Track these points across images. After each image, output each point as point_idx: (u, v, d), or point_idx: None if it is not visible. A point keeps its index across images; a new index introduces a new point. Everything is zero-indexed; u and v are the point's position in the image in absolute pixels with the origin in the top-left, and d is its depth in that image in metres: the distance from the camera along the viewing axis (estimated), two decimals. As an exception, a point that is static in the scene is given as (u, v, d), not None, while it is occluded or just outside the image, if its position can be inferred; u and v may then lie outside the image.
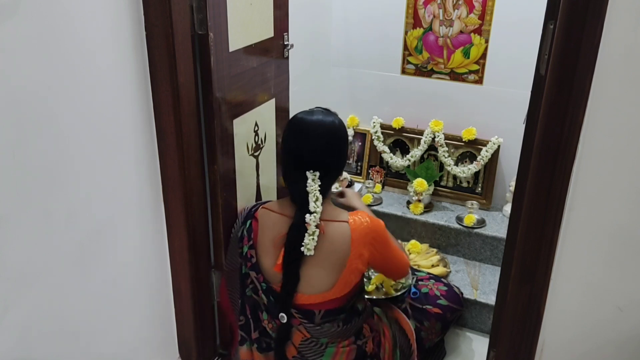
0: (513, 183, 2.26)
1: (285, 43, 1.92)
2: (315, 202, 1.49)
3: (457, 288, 1.99)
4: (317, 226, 1.48)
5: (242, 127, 1.74)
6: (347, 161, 2.87)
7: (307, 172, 1.50)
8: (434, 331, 1.83)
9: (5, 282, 1.16)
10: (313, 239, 1.47)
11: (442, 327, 1.86)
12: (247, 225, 1.62)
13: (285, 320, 1.56)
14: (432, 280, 1.97)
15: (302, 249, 1.47)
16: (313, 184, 1.49)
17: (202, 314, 1.81)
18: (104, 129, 1.36)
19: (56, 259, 1.28)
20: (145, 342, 1.69)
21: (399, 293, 1.91)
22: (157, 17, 1.40)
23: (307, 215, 1.48)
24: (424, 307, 1.84)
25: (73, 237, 1.32)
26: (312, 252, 1.48)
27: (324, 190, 1.52)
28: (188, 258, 1.69)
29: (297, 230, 1.49)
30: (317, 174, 1.50)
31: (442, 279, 2.01)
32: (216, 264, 1.81)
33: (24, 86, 1.13)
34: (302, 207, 1.50)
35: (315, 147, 1.51)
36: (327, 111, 1.58)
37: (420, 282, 1.95)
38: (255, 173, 1.88)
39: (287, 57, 1.95)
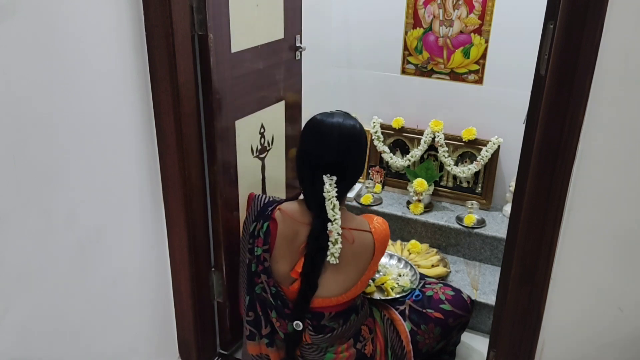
0: (513, 183, 2.26)
1: (297, 45, 1.90)
2: (333, 209, 1.47)
3: (468, 296, 1.91)
4: (339, 234, 1.48)
5: (245, 129, 1.74)
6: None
7: (324, 177, 1.48)
8: (431, 335, 1.78)
9: (5, 282, 1.16)
10: (339, 247, 1.47)
11: (441, 332, 1.80)
12: (265, 228, 1.58)
13: (300, 328, 1.56)
14: (440, 285, 1.92)
15: (328, 258, 1.48)
16: (330, 189, 1.47)
17: (202, 314, 1.81)
18: (104, 128, 1.36)
19: (56, 259, 1.28)
20: (145, 342, 1.69)
21: (398, 295, 1.90)
22: (157, 17, 1.40)
23: (329, 225, 1.47)
24: (425, 310, 1.81)
25: (73, 237, 1.32)
26: (337, 261, 1.48)
27: (340, 196, 1.50)
28: (188, 258, 1.69)
29: (316, 238, 1.48)
30: (335, 178, 1.48)
31: (452, 285, 1.96)
32: (216, 264, 1.81)
33: (23, 86, 1.13)
34: (319, 213, 1.49)
35: (334, 149, 1.49)
36: (346, 114, 1.57)
37: (426, 286, 1.91)
38: (261, 175, 1.88)
39: (300, 60, 1.93)
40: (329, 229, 1.47)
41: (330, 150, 1.49)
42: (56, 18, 1.18)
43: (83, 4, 1.24)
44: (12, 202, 1.14)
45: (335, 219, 1.47)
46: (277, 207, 1.60)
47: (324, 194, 1.47)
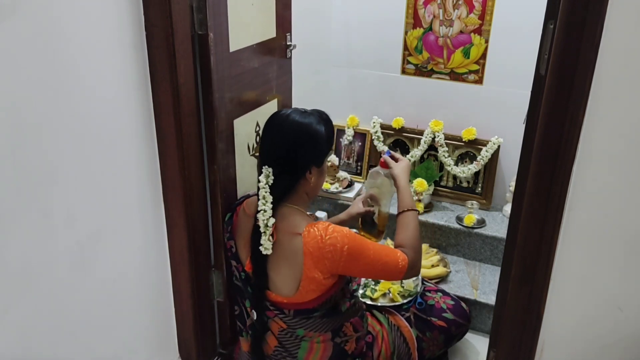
0: (513, 183, 2.26)
1: (288, 43, 1.92)
2: (263, 198, 1.47)
3: (465, 304, 1.94)
4: (268, 225, 1.46)
5: (243, 127, 1.74)
6: (347, 161, 2.87)
7: (263, 167, 1.49)
8: (436, 343, 1.81)
9: (5, 282, 1.16)
10: (268, 238, 1.46)
11: (445, 340, 1.83)
12: (227, 218, 1.67)
13: (255, 317, 1.59)
14: (440, 294, 1.93)
15: (260, 247, 1.47)
16: (263, 179, 1.47)
17: (202, 314, 1.81)
18: (104, 129, 1.36)
19: (56, 259, 1.28)
20: (145, 342, 1.69)
21: (405, 300, 1.91)
22: (157, 17, 1.40)
23: (258, 215, 1.47)
24: (429, 318, 1.83)
25: (73, 237, 1.32)
26: (269, 251, 1.47)
27: (282, 189, 1.48)
28: (188, 258, 1.69)
29: (255, 233, 1.49)
30: (271, 170, 1.47)
31: (450, 294, 1.97)
32: (216, 264, 1.81)
33: (23, 86, 1.13)
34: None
35: (270, 141, 1.51)
36: (304, 112, 1.53)
37: (427, 294, 1.93)
38: (257, 173, 1.88)
39: (290, 58, 1.95)
40: (257, 218, 1.47)
41: (268, 142, 1.51)
42: (56, 18, 1.18)
43: (83, 4, 1.24)
44: (12, 202, 1.14)
45: (263, 210, 1.46)
46: (244, 201, 1.64)
47: (258, 184, 1.49)
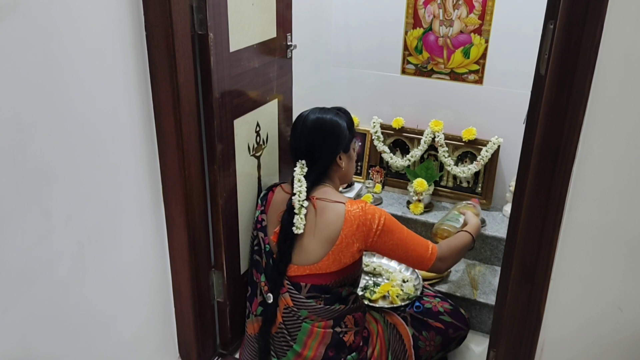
0: (513, 183, 2.26)
1: (289, 44, 1.92)
2: (298, 182, 1.64)
3: (464, 311, 1.94)
4: (302, 206, 1.61)
5: (243, 127, 1.74)
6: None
7: (298, 162, 1.69)
8: (432, 343, 1.81)
9: (5, 282, 1.16)
10: (301, 218, 1.61)
11: (442, 342, 1.83)
12: (262, 195, 1.82)
13: (270, 301, 1.66)
14: (438, 299, 1.94)
15: (292, 228, 1.61)
16: (299, 169, 1.67)
17: (202, 314, 1.82)
18: (104, 128, 1.36)
19: (56, 259, 1.29)
20: (145, 342, 1.69)
21: (404, 303, 1.92)
22: (157, 17, 1.40)
23: (293, 197, 1.62)
24: (425, 319, 1.84)
25: (73, 237, 1.32)
26: (301, 230, 1.61)
27: (316, 175, 1.66)
28: (188, 258, 1.69)
29: (289, 212, 1.63)
30: (304, 162, 1.68)
31: (449, 300, 1.97)
32: (216, 264, 1.81)
33: (23, 86, 1.13)
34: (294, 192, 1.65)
35: (300, 139, 1.69)
36: (322, 109, 1.72)
37: (424, 298, 1.94)
38: (257, 173, 1.89)
39: (290, 58, 1.95)
40: (293, 200, 1.62)
41: (298, 140, 1.69)
42: (56, 17, 1.18)
43: (83, 4, 1.24)
44: (12, 202, 1.14)
45: (298, 191, 1.62)
46: (280, 185, 1.81)
47: (294, 174, 1.67)
